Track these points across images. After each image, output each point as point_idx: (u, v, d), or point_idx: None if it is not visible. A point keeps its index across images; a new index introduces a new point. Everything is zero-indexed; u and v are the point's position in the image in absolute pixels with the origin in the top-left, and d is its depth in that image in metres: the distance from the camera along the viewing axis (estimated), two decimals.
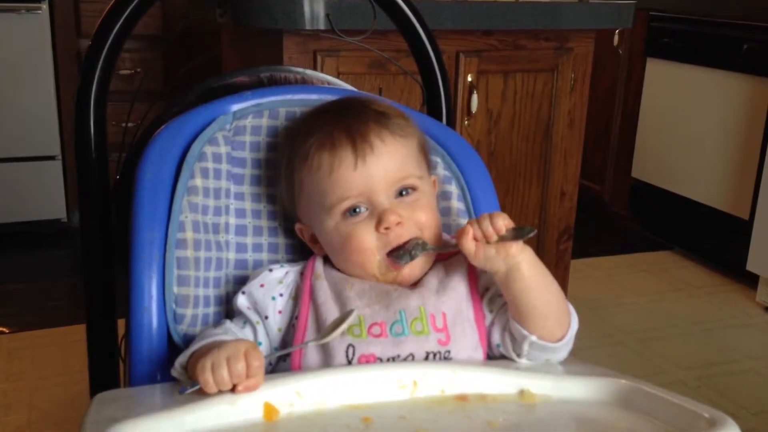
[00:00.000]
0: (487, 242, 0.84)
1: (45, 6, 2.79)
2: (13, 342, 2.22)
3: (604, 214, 3.43)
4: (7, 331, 2.28)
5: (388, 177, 0.88)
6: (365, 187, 0.87)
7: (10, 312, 2.40)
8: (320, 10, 1.62)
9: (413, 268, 0.89)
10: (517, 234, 0.84)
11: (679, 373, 2.15)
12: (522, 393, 0.82)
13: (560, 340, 0.86)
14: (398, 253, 0.87)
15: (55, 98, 2.90)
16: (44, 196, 2.96)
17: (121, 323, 0.97)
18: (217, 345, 0.77)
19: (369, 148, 0.87)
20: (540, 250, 2.16)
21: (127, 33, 1.00)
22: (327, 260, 0.93)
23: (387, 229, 0.87)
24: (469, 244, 0.84)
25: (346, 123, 0.89)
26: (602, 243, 3.16)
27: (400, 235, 0.87)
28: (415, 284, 0.90)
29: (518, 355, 0.87)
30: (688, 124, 2.95)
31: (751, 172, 2.67)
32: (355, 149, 0.87)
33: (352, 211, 0.88)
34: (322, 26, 1.63)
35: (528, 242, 0.86)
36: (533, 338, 0.85)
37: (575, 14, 2.02)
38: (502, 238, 0.84)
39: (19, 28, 2.78)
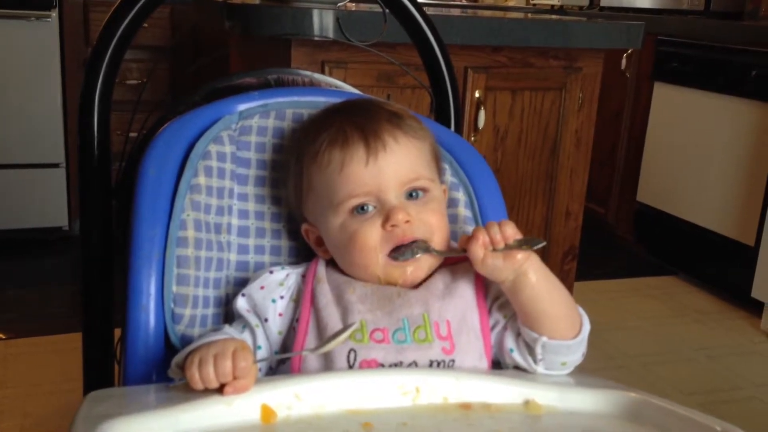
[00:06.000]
0: (494, 248, 0.82)
1: (55, 14, 2.80)
2: (9, 348, 2.19)
3: (608, 238, 3.41)
4: (4, 338, 2.26)
5: (399, 176, 0.86)
6: (375, 185, 0.86)
7: (7, 318, 2.38)
8: (329, 20, 1.62)
9: (417, 269, 0.87)
10: (525, 244, 0.82)
11: (682, 399, 2.12)
12: (527, 403, 0.80)
13: (573, 338, 0.84)
14: (401, 251, 0.85)
15: (62, 106, 2.90)
16: (47, 203, 2.94)
17: (116, 332, 0.95)
18: (210, 342, 0.76)
19: (381, 146, 0.86)
20: None
21: (131, 34, 0.98)
22: (330, 263, 0.91)
23: (394, 226, 0.85)
24: (477, 251, 0.82)
25: (359, 121, 0.88)
26: (606, 266, 3.13)
27: (407, 231, 0.85)
28: (419, 285, 0.88)
29: (534, 361, 0.85)
30: (695, 149, 2.94)
31: (757, 199, 2.66)
32: (367, 146, 0.86)
33: (360, 209, 0.86)
34: (331, 35, 1.63)
35: None
36: (544, 339, 0.83)
37: (585, 33, 2.01)
38: (508, 247, 0.82)
39: (29, 35, 2.78)
